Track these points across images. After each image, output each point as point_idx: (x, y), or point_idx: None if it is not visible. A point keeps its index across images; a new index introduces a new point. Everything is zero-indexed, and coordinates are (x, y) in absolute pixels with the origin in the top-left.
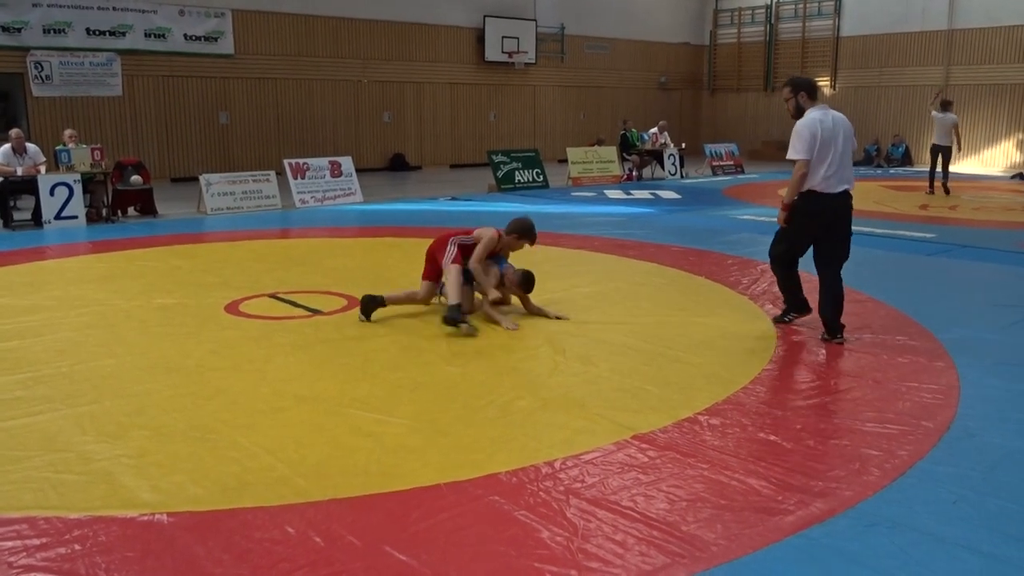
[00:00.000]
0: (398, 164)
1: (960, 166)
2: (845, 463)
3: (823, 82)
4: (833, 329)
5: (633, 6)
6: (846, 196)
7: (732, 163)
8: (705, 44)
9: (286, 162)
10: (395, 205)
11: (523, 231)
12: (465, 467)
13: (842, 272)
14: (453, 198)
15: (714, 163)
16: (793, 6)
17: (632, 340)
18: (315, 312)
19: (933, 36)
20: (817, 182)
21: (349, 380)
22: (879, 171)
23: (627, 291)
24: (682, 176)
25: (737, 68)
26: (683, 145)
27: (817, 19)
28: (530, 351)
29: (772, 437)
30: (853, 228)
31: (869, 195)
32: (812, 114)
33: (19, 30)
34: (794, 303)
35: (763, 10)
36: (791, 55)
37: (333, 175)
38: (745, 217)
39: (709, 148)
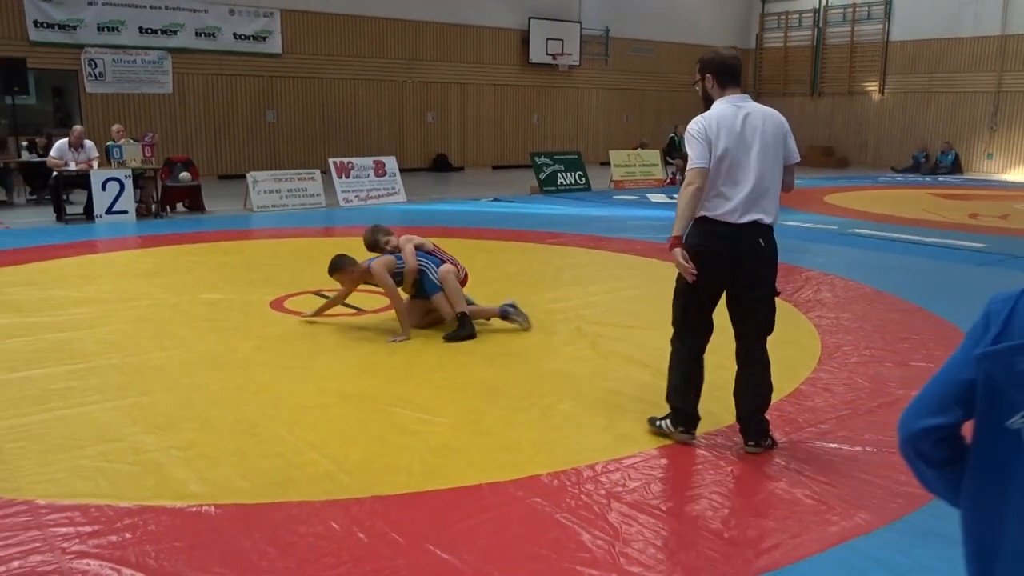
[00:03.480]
0: (441, 164)
1: (1013, 174)
2: (893, 474)
3: (871, 87)
4: (755, 431)
5: (678, 9)
6: (759, 230)
7: None
8: (751, 48)
9: (331, 161)
10: (438, 205)
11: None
12: (506, 468)
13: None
14: (495, 199)
15: None
16: (842, 10)
17: None
18: (359, 310)
19: (985, 42)
20: (714, 205)
21: (392, 379)
22: (927, 179)
23: (670, 295)
24: None
25: (783, 72)
26: None
27: (866, 23)
28: (573, 354)
29: (817, 445)
30: (895, 236)
31: (917, 203)
32: (717, 108)
33: (74, 28)
34: (681, 409)
35: (811, 14)
36: (839, 60)
37: (377, 174)
38: (790, 223)
39: None
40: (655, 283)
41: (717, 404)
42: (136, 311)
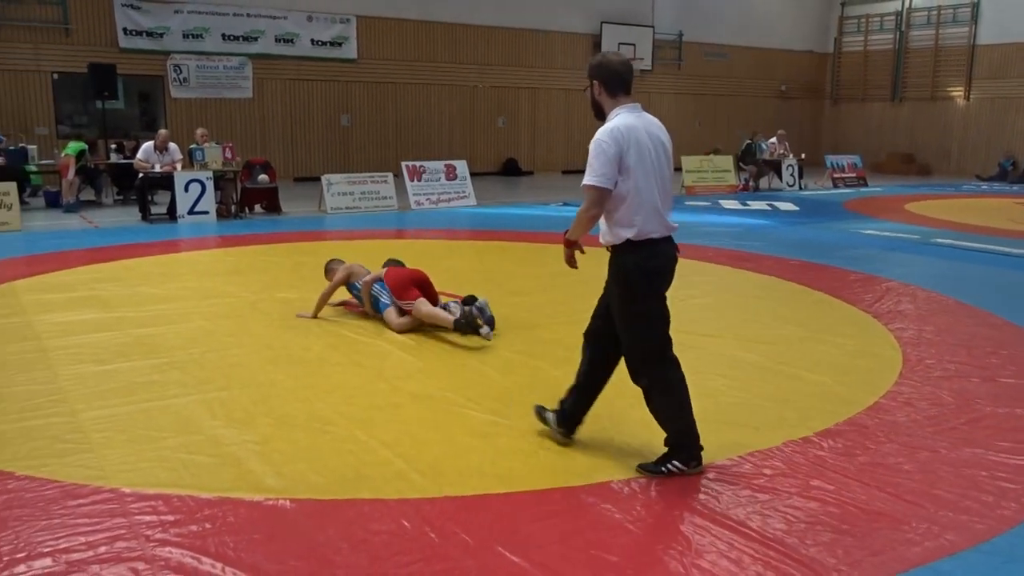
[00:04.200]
0: (511, 169)
1: None
2: (978, 495)
3: (956, 92)
4: (683, 449)
5: (754, 13)
6: (672, 239)
7: (855, 175)
8: (829, 52)
9: (403, 164)
10: (507, 209)
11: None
12: (576, 473)
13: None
14: (565, 203)
15: (835, 175)
16: (926, 13)
17: (747, 354)
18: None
19: None
20: (650, 224)
21: (463, 381)
22: (1015, 187)
23: (742, 304)
24: (801, 188)
25: (863, 77)
26: (803, 156)
27: (952, 26)
28: None
29: (898, 462)
30: (981, 246)
31: (1004, 212)
32: (622, 120)
33: (161, 35)
34: (572, 408)
35: (892, 17)
36: (922, 64)
37: (448, 178)
38: (869, 232)
39: (830, 159)
40: (728, 290)
41: (797, 412)
42: (215, 308)
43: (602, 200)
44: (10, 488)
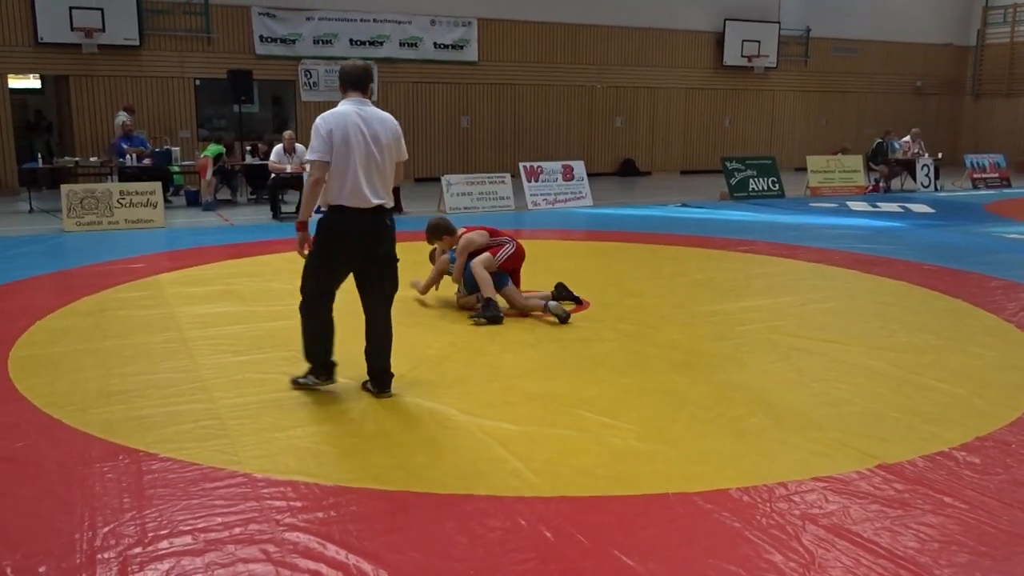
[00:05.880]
0: (628, 169)
1: None
2: None
3: None
4: (382, 381)
5: (889, 6)
6: (385, 212)
7: (997, 176)
8: (971, 45)
9: (521, 165)
10: (624, 210)
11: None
12: (693, 479)
13: None
14: (683, 205)
15: (975, 175)
16: None
17: (876, 363)
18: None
19: None
20: (343, 194)
21: (578, 381)
22: None
23: (871, 310)
24: (937, 189)
25: (1008, 71)
26: (939, 155)
27: None
28: (764, 367)
29: None
30: None
31: None
32: (339, 108)
33: (293, 42)
34: (321, 363)
35: None
36: None
37: (565, 179)
38: (1012, 236)
39: (970, 159)
40: (854, 295)
41: (932, 425)
42: (339, 304)
43: (322, 170)
44: (155, 469)
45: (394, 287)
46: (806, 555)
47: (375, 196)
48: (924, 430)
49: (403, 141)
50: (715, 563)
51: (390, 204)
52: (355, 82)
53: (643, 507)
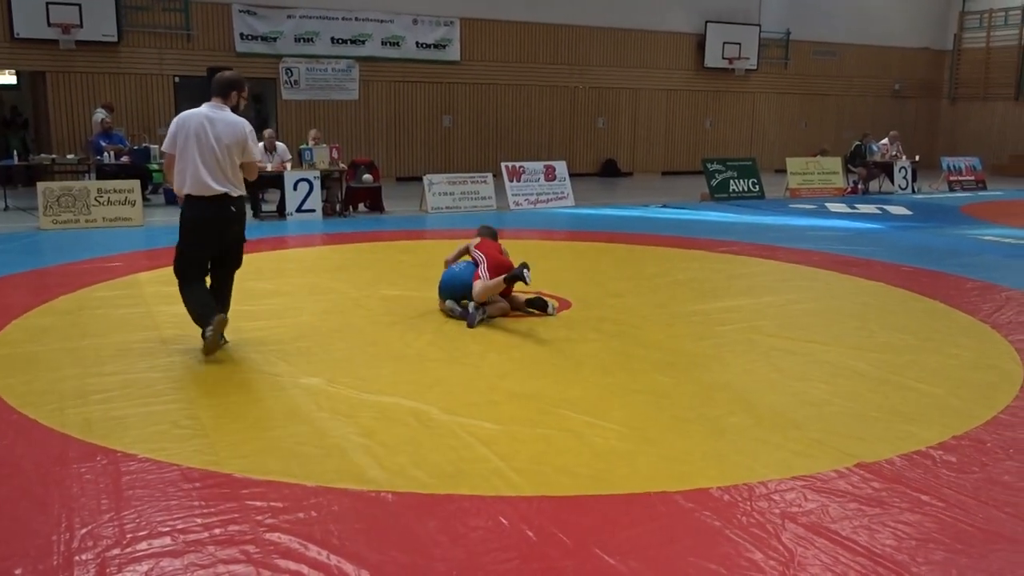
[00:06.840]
0: (609, 170)
1: None
2: None
3: None
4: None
5: (867, 10)
6: (230, 200)
7: (973, 178)
8: (947, 49)
9: (503, 165)
10: (606, 210)
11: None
12: (674, 479)
13: None
14: (664, 205)
15: (951, 178)
16: None
17: (855, 363)
18: (528, 312)
19: None
20: (188, 182)
21: (561, 381)
22: None
23: (850, 310)
24: (914, 191)
25: (984, 75)
26: (916, 158)
27: None
28: (745, 367)
29: (1017, 481)
30: None
31: None
32: (194, 109)
33: (274, 39)
34: (208, 318)
35: (1018, 11)
36: None
37: (547, 179)
38: (988, 238)
39: (946, 161)
40: (834, 296)
41: (909, 424)
42: (321, 304)
43: (170, 161)
44: (133, 469)
45: (239, 263)
46: (786, 553)
47: (217, 184)
48: (902, 429)
49: (251, 144)
50: (696, 561)
51: (236, 193)
52: (215, 89)
53: (625, 506)
